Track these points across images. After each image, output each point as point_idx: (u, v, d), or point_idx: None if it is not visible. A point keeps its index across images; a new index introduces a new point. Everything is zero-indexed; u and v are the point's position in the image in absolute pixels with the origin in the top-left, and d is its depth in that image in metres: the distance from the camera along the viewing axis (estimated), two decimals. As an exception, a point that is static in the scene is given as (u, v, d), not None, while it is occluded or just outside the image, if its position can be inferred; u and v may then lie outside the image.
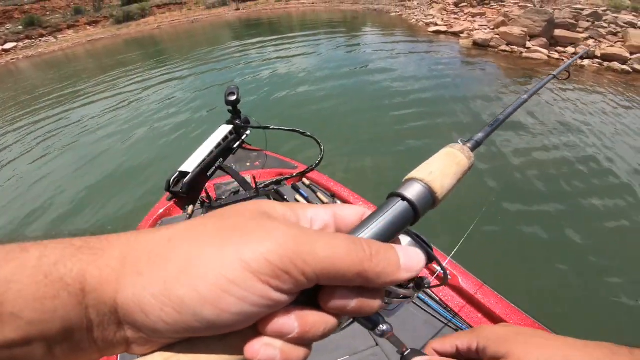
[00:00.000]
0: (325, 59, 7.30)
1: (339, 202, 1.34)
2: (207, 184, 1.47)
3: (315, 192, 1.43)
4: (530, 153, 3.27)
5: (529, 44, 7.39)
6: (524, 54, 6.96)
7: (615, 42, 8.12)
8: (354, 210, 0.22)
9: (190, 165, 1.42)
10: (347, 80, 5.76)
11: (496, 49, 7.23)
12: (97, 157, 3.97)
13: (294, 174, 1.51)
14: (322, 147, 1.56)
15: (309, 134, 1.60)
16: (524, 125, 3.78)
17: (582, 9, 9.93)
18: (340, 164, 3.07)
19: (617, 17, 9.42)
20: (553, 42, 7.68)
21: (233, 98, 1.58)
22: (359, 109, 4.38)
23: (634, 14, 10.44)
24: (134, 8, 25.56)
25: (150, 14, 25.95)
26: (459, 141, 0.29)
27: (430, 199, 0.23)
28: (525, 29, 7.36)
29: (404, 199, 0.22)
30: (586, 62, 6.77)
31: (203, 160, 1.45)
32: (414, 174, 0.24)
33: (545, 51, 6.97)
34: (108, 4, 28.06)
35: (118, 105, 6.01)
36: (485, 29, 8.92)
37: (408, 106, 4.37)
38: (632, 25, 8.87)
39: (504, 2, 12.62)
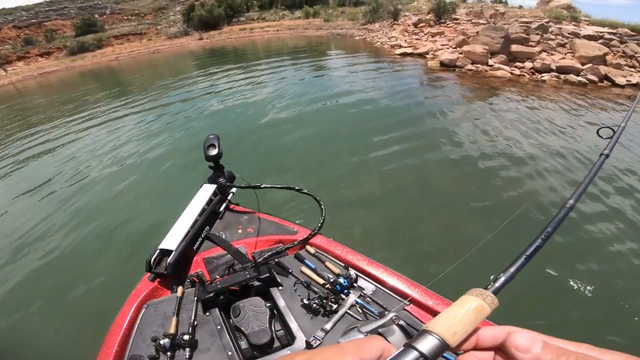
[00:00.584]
0: (298, 89, 7.22)
1: (353, 273, 1.16)
2: (195, 258, 1.31)
3: (323, 262, 1.26)
4: (519, 180, 3.29)
5: (491, 62, 7.79)
6: (489, 72, 7.28)
7: (566, 54, 8.79)
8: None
9: (172, 240, 1.25)
10: (323, 113, 5.69)
11: (463, 69, 7.53)
12: (37, 228, 3.37)
13: (296, 242, 1.33)
14: (323, 207, 1.42)
15: (305, 191, 1.47)
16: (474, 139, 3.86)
17: (530, 22, 10.75)
18: (339, 219, 2.87)
19: (560, 28, 10.25)
20: (512, 58, 8.15)
21: (214, 152, 1.42)
22: (342, 150, 4.18)
23: (574, 23, 11.44)
24: (89, 39, 24.74)
25: (107, 44, 25.24)
26: (489, 288, 0.30)
27: (446, 348, 0.26)
28: (486, 47, 7.76)
29: (422, 355, 0.24)
30: (546, 76, 7.19)
31: (187, 233, 1.30)
32: (435, 327, 0.26)
33: (508, 68, 7.35)
34: (61, 34, 27.05)
35: (70, 151, 5.47)
36: (448, 48, 9.37)
37: (392, 141, 4.30)
38: (576, 35, 9.67)
39: (458, 20, 13.46)
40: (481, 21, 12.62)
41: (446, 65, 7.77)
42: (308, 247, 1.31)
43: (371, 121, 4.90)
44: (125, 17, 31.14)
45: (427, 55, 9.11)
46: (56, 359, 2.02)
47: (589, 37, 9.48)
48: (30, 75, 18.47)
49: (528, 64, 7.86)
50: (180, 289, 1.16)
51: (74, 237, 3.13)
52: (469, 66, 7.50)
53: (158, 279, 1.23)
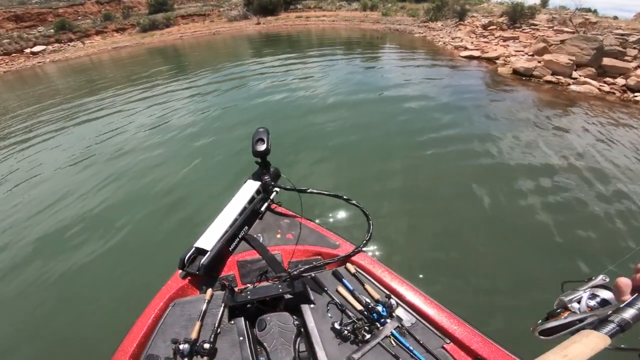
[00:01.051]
0: (350, 83, 6.88)
1: (393, 301, 1.06)
2: (229, 259, 1.26)
3: (363, 284, 1.15)
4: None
5: (575, 74, 6.82)
6: (572, 86, 6.37)
7: (669, 73, 7.48)
8: None
9: (209, 240, 1.21)
10: (375, 112, 5.29)
11: (540, 79, 6.67)
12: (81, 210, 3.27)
13: (336, 258, 1.22)
14: (372, 222, 1.29)
15: (354, 202, 1.36)
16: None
17: (627, 34, 9.32)
18: (384, 233, 2.51)
19: (664, 44, 8.78)
20: (601, 72, 7.08)
21: (262, 147, 1.35)
22: (392, 157, 3.78)
23: (680, 40, 9.76)
24: (159, 17, 26.29)
25: (174, 23, 26.63)
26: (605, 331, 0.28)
27: None
28: (573, 57, 6.80)
29: None
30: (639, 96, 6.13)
31: (225, 232, 1.25)
32: None
33: (596, 83, 6.38)
34: (136, 11, 28.95)
35: (120, 125, 5.63)
36: (523, 55, 8.40)
37: (451, 155, 3.85)
38: (684, 54, 8.21)
39: (536, 26, 12.13)
40: (566, 29, 11.25)
41: (520, 74, 6.92)
42: (348, 265, 1.21)
43: (427, 129, 4.47)
44: None
45: (497, 61, 8.23)
46: (82, 347, 1.97)
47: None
48: (105, 49, 19.94)
49: (620, 80, 6.77)
50: (209, 291, 1.11)
51: (107, 222, 3.07)
52: (548, 77, 6.62)
53: (189, 277, 1.19)
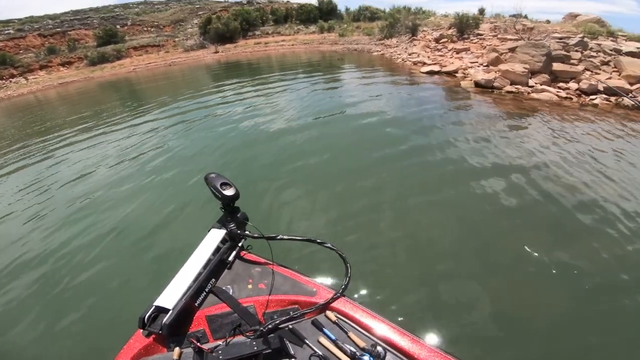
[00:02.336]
0: (313, 107, 6.65)
1: (381, 349, 0.97)
2: (197, 314, 1.16)
3: (346, 332, 1.08)
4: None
5: (531, 82, 7.09)
6: (532, 94, 6.57)
7: (611, 73, 8.04)
8: None
9: (170, 297, 1.10)
10: (341, 136, 5.07)
11: (501, 90, 6.84)
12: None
13: (314, 307, 1.14)
14: (349, 265, 1.22)
15: (328, 245, 1.28)
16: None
17: (565, 38, 10.04)
18: (364, 271, 2.28)
19: (600, 45, 9.52)
20: (553, 78, 7.43)
21: (231, 192, 1.27)
22: (362, 183, 3.52)
23: (611, 39, 10.69)
24: (109, 49, 25.30)
25: (125, 55, 25.74)
26: None
27: None
28: (527, 66, 7.08)
29: None
30: (597, 99, 6.44)
31: (188, 288, 1.14)
32: None
33: (553, 89, 6.64)
34: (83, 44, 27.68)
35: (69, 166, 4.83)
36: (479, 66, 8.72)
37: (426, 176, 3.66)
38: (618, 52, 8.92)
39: (482, 35, 12.87)
40: (509, 37, 11.99)
41: (482, 86, 7.08)
42: (328, 312, 1.14)
43: (394, 148, 4.30)
44: (145, 29, 31.86)
45: (456, 74, 8.46)
46: None
47: (632, 54, 8.72)
48: (51, 85, 18.75)
49: (573, 85, 7.12)
50: (177, 350, 1.02)
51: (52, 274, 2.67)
52: (508, 87, 6.81)
53: (154, 335, 1.09)
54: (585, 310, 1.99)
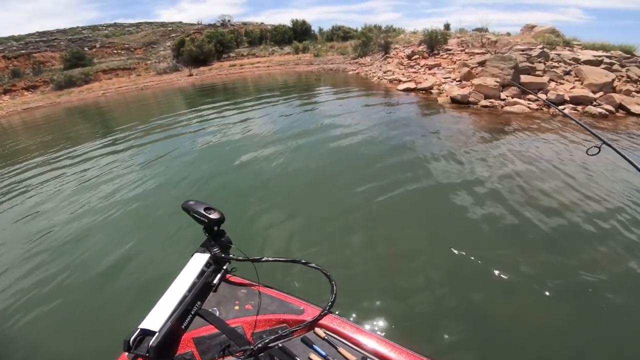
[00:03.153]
0: (292, 130, 6.55)
1: None
2: (184, 337, 1.13)
3: (336, 347, 1.08)
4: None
5: (503, 95, 7.37)
6: (505, 107, 6.81)
7: (574, 82, 8.53)
8: None
9: (155, 319, 1.07)
10: (322, 157, 5.00)
11: (477, 104, 7.05)
12: None
13: (303, 324, 1.14)
14: (334, 283, 1.25)
15: (313, 264, 1.31)
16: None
17: (528, 50, 10.64)
18: (354, 293, 2.30)
19: (559, 54, 10.15)
20: (523, 90, 7.77)
21: (216, 215, 1.27)
22: (346, 204, 3.52)
23: (568, 48, 11.45)
24: (76, 72, 24.44)
25: (94, 79, 24.99)
26: None
27: None
28: (498, 79, 7.37)
29: None
30: (566, 109, 6.76)
31: (174, 310, 1.11)
32: None
33: (524, 102, 6.91)
34: (49, 67, 26.64)
35: (38, 199, 4.35)
36: (452, 82, 9.03)
37: (407, 194, 3.62)
38: (577, 61, 9.52)
39: (450, 50, 13.47)
40: (475, 50, 12.61)
41: (458, 102, 7.28)
42: (317, 329, 1.15)
43: (373, 167, 4.31)
44: (115, 51, 31.23)
45: (432, 91, 8.70)
46: None
47: (590, 62, 9.34)
48: (14, 111, 17.80)
49: (542, 96, 7.46)
50: None
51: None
52: (483, 102, 7.04)
53: (140, 358, 1.05)
54: (558, 313, 2.11)
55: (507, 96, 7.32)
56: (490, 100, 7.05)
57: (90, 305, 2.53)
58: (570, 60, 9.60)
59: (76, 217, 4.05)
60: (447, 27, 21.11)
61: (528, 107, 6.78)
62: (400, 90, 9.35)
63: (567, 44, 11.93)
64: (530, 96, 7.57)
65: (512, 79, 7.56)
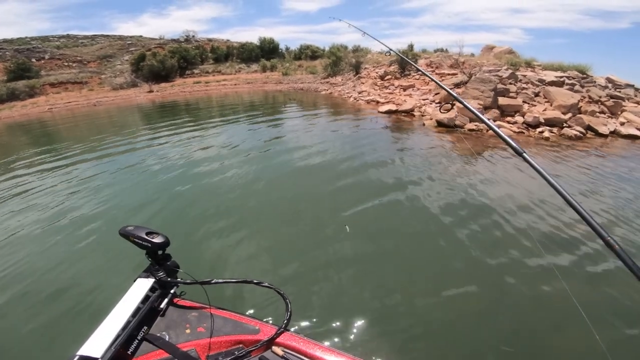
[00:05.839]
0: (263, 154, 5.96)
1: None
2: None
3: None
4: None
5: (485, 117, 7.32)
6: (489, 131, 6.69)
7: (545, 103, 8.83)
8: None
9: (96, 345, 0.97)
10: (298, 183, 4.60)
11: (463, 128, 6.89)
12: None
13: (259, 344, 1.07)
14: (289, 301, 1.19)
15: (266, 284, 1.25)
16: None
17: (496, 70, 11.02)
18: (308, 308, 2.30)
19: (525, 75, 10.60)
20: (501, 112, 7.83)
21: (160, 239, 1.20)
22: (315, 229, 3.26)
23: (530, 69, 12.09)
24: (21, 85, 21.91)
25: (40, 92, 22.62)
26: None
27: None
28: (480, 102, 7.32)
29: None
30: (546, 132, 6.82)
31: (117, 336, 1.01)
32: None
33: (508, 125, 6.87)
34: None
35: None
36: (431, 103, 8.95)
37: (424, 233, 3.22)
38: (542, 82, 9.96)
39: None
40: (445, 71, 12.93)
41: (445, 125, 7.09)
42: (274, 348, 1.10)
43: (355, 198, 4.03)
44: (66, 64, 28.56)
45: (414, 113, 8.52)
46: None
47: (554, 84, 9.80)
48: None
49: (519, 118, 7.53)
50: None
51: None
52: (469, 125, 6.90)
53: None
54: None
55: (489, 119, 7.28)
56: (476, 123, 6.93)
57: (20, 333, 2.31)
58: (537, 81, 10.00)
59: (5, 244, 3.59)
60: (411, 47, 21.95)
61: (511, 130, 6.73)
62: (381, 112, 9.07)
63: (529, 64, 12.57)
64: (508, 118, 7.64)
65: (492, 102, 7.58)
